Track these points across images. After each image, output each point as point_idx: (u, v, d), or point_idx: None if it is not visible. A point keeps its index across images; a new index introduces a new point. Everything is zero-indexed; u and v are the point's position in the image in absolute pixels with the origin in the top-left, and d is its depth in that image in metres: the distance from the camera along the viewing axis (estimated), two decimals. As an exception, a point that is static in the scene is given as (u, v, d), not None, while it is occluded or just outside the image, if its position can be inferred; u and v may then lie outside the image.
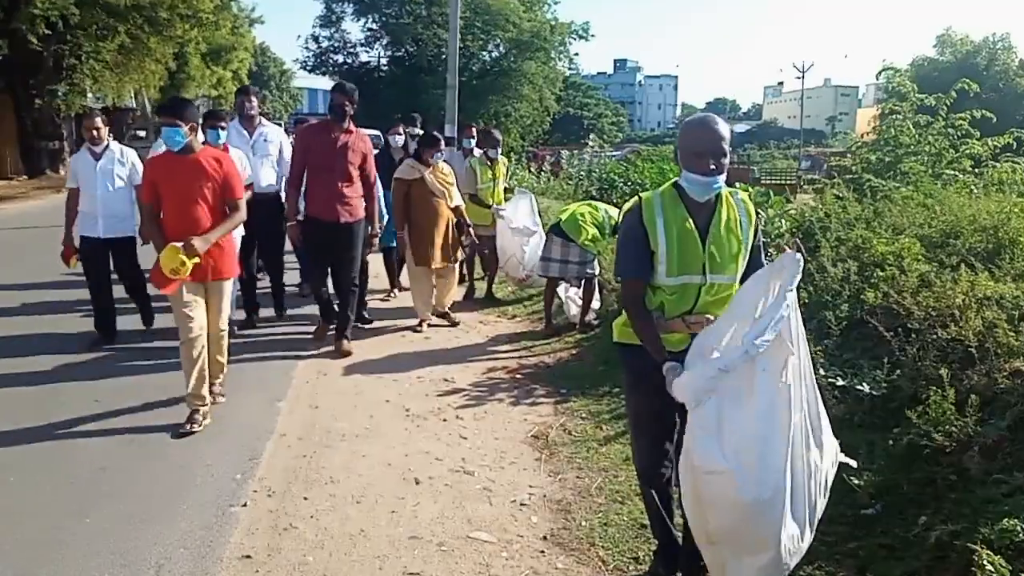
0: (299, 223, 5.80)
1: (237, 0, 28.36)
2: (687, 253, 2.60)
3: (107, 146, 5.74)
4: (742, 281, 2.65)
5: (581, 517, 3.43)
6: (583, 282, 6.53)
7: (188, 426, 4.27)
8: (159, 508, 3.43)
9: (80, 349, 5.72)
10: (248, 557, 3.07)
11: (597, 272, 6.58)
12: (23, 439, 4.14)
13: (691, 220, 2.61)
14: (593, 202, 7.17)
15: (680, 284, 2.62)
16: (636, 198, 2.73)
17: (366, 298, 6.92)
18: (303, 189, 5.81)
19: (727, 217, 2.65)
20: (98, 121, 5.73)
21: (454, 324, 6.86)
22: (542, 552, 3.16)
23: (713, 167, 2.52)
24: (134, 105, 34.81)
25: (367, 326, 6.71)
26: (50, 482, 3.65)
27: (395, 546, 3.17)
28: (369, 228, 5.99)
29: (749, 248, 2.69)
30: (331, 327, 6.04)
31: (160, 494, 3.55)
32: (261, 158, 6.28)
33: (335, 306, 6.03)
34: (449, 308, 6.95)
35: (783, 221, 5.70)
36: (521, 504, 3.57)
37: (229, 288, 4.59)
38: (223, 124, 5.73)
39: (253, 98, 6.44)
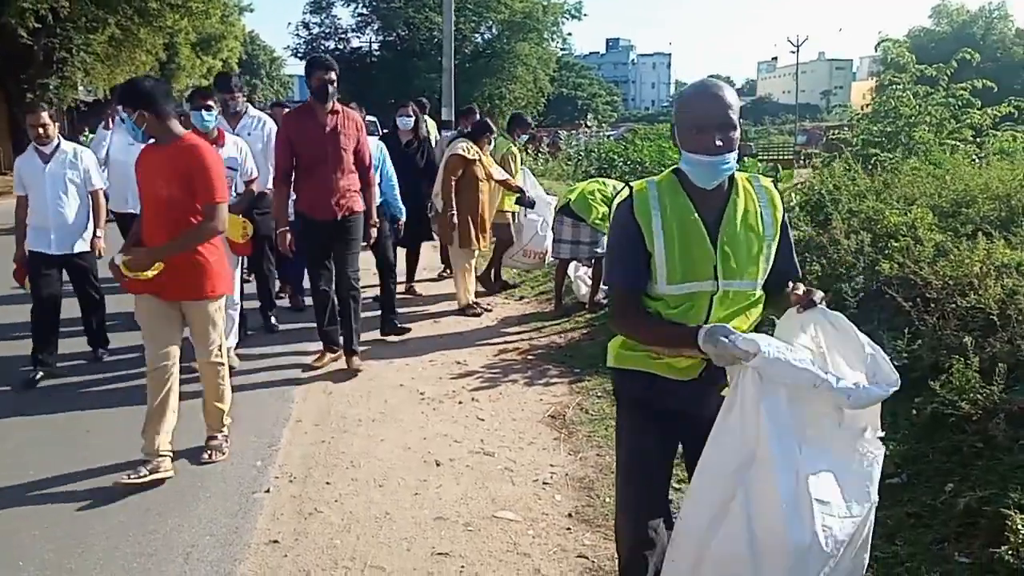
0: (290, 226, 5.09)
1: (228, -12, 27.90)
2: (693, 254, 2.05)
3: (57, 146, 4.94)
4: (768, 289, 2.16)
5: (604, 494, 3.43)
6: (593, 261, 6.51)
7: (135, 478, 3.41)
8: (181, 498, 3.42)
9: (15, 387, 4.85)
10: (275, 542, 3.07)
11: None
12: (44, 434, 4.14)
13: (696, 213, 2.06)
14: (601, 179, 7.10)
15: (685, 294, 2.07)
16: (625, 188, 2.18)
17: (395, 303, 6.14)
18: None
19: (744, 208, 2.09)
20: (44, 116, 4.87)
21: (488, 309, 6.83)
22: (568, 529, 3.17)
23: (720, 143, 1.98)
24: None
25: (401, 337, 5.97)
26: (69, 478, 3.64)
27: (421, 527, 3.18)
28: (370, 220, 5.26)
29: (774, 246, 2.13)
30: (335, 352, 5.27)
31: (181, 484, 3.54)
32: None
33: (338, 323, 5.20)
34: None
35: (793, 195, 5.67)
36: (543, 483, 3.57)
37: (215, 310, 3.70)
38: (211, 103, 4.83)
39: (238, 95, 5.68)
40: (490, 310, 6.77)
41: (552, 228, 6.76)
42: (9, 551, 3.00)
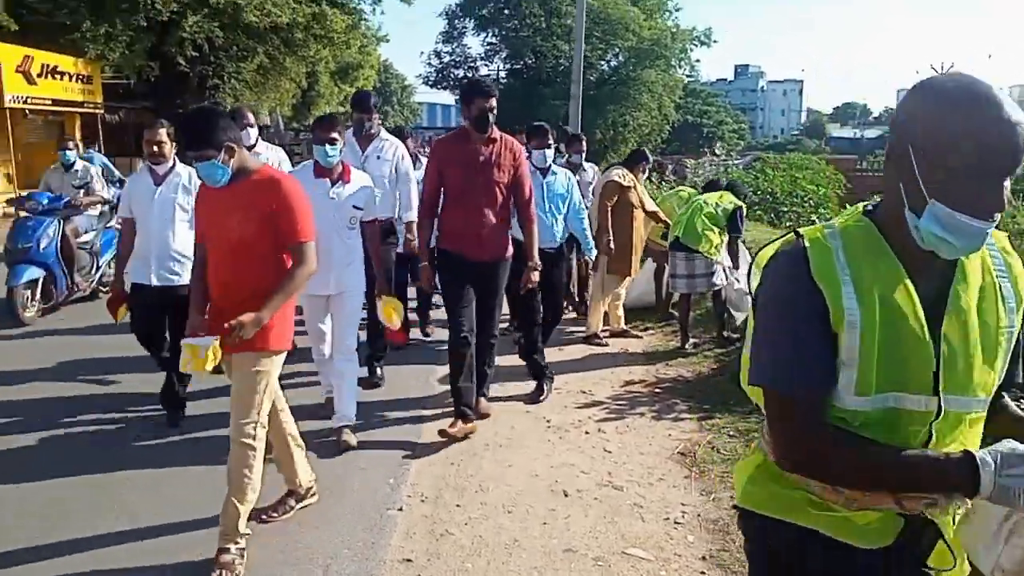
0: (432, 262, 4.62)
1: (366, 20, 29.29)
2: (902, 350, 1.31)
3: (172, 167, 4.45)
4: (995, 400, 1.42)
5: (740, 539, 3.31)
6: (713, 294, 6.37)
7: (283, 514, 3.44)
8: (321, 511, 3.56)
9: (145, 436, 4.46)
10: (409, 560, 3.15)
11: (726, 281, 6.37)
12: (177, 453, 4.42)
13: (909, 285, 1.32)
14: (695, 199, 6.61)
15: (884, 411, 1.33)
16: (791, 237, 1.41)
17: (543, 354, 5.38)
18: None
19: (980, 282, 1.36)
20: (162, 132, 4.38)
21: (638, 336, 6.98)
22: (702, 573, 3.09)
23: (1002, 200, 1.25)
24: (269, 122, 36.84)
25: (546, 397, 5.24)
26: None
27: (551, 558, 3.18)
28: (530, 262, 4.62)
29: (1014, 340, 1.40)
30: (469, 419, 4.49)
31: (320, 498, 3.68)
32: (373, 176, 4.83)
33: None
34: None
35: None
36: (675, 522, 3.50)
37: (263, 372, 3.03)
38: (335, 135, 4.21)
39: (375, 116, 5.27)
40: (606, 345, 6.70)
41: (667, 263, 6.67)
42: (161, 565, 3.20)
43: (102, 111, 20.05)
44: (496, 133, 4.42)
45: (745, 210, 6.67)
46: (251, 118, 5.45)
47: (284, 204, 3.00)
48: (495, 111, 4.37)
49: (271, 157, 5.55)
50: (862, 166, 44.50)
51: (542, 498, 3.73)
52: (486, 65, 42.86)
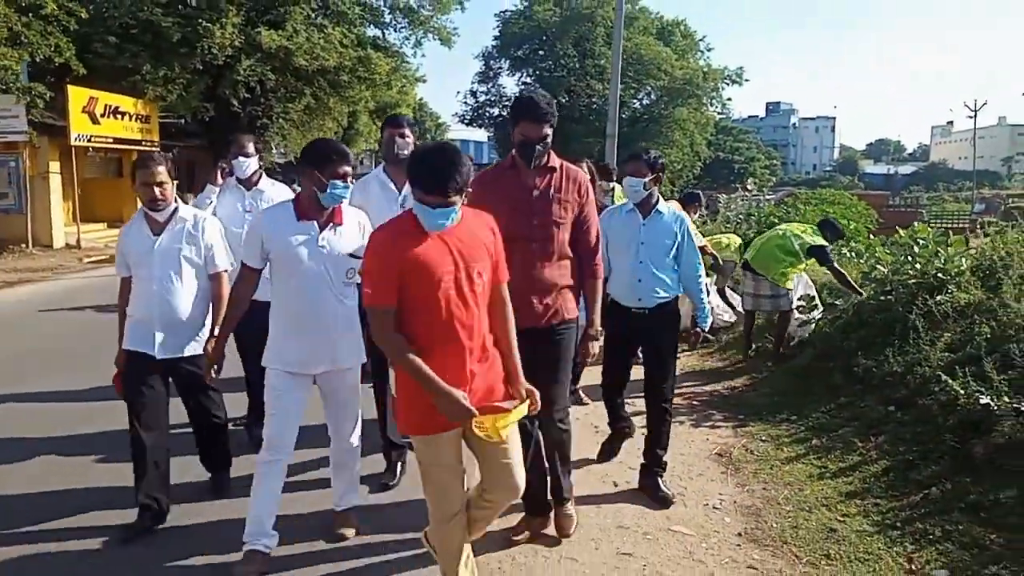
0: None
1: (407, 63, 30.41)
2: None
3: (174, 212, 3.64)
4: None
5: (772, 520, 3.78)
6: (777, 316, 6.82)
7: None
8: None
9: (114, 541, 3.50)
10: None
11: (792, 306, 6.74)
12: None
13: None
14: (779, 229, 7.24)
15: None
16: None
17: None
18: None
19: None
20: (160, 171, 3.54)
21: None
22: (738, 546, 3.55)
23: None
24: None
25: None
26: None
27: (606, 532, 3.65)
28: (588, 328, 3.57)
29: None
30: (543, 514, 3.63)
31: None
32: None
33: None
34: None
35: (963, 260, 5.78)
36: (713, 507, 3.97)
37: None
38: (347, 170, 3.25)
39: (408, 132, 4.16)
40: None
41: (740, 281, 7.19)
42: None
43: (159, 149, 21.11)
44: (555, 161, 3.43)
45: (829, 248, 6.73)
46: (250, 148, 4.65)
47: (498, 240, 2.74)
48: (549, 141, 3.33)
49: (273, 193, 4.67)
50: (895, 202, 44.61)
51: (595, 487, 4.20)
52: (520, 104, 43.88)
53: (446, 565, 2.84)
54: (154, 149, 20.68)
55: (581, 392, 5.70)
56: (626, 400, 5.23)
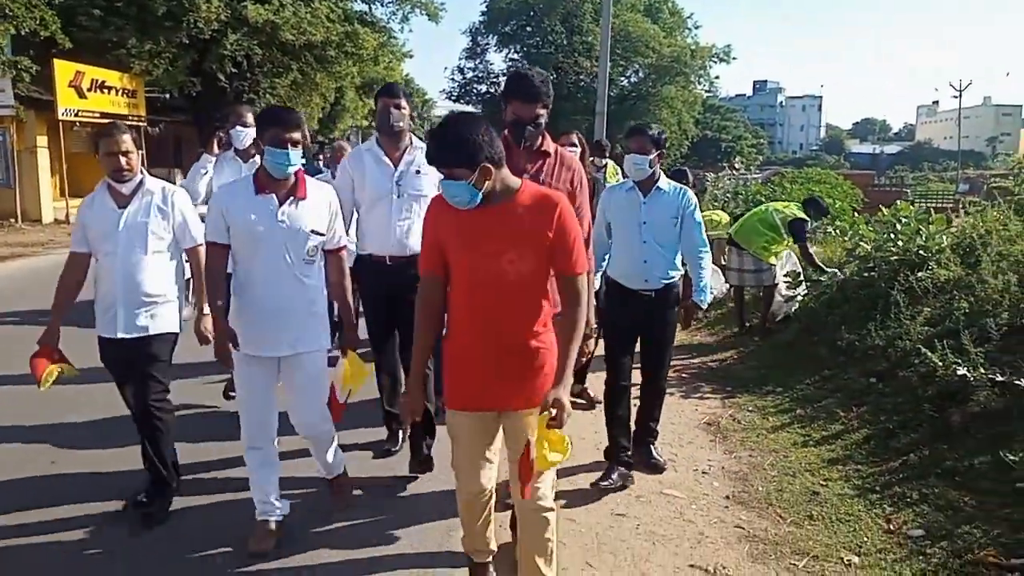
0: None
1: (395, 38, 30.25)
2: None
3: (140, 184, 3.39)
4: None
5: (758, 484, 3.96)
6: (761, 290, 6.98)
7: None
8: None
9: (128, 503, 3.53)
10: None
11: (775, 280, 6.91)
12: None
13: None
14: (764, 206, 7.51)
15: None
16: None
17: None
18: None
19: None
20: (125, 140, 3.32)
21: None
22: (726, 507, 3.73)
23: None
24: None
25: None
26: None
27: (601, 495, 3.82)
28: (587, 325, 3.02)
29: None
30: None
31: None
32: (410, 200, 3.82)
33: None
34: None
35: (944, 238, 5.95)
36: (702, 472, 4.15)
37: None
38: (297, 136, 3.06)
39: (403, 102, 3.83)
40: None
41: (725, 257, 7.34)
42: None
43: (145, 124, 20.97)
44: (550, 145, 3.20)
45: (810, 223, 7.05)
46: (249, 118, 4.58)
47: (563, 225, 2.45)
48: (542, 122, 3.09)
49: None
50: (880, 181, 44.92)
51: (590, 455, 4.36)
52: (508, 80, 43.78)
53: (465, 533, 2.85)
54: (141, 125, 20.57)
55: (590, 392, 5.30)
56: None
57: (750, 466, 4.22)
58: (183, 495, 3.60)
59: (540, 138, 3.13)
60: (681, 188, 4.01)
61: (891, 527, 3.42)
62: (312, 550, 3.22)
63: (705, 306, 4.18)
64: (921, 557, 3.15)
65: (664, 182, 3.98)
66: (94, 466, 4.02)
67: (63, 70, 17.12)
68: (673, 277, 3.96)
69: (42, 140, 17.80)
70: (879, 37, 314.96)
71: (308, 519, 3.47)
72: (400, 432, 4.34)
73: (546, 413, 2.33)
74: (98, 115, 18.72)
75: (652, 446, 4.22)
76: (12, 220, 16.32)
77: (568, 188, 3.16)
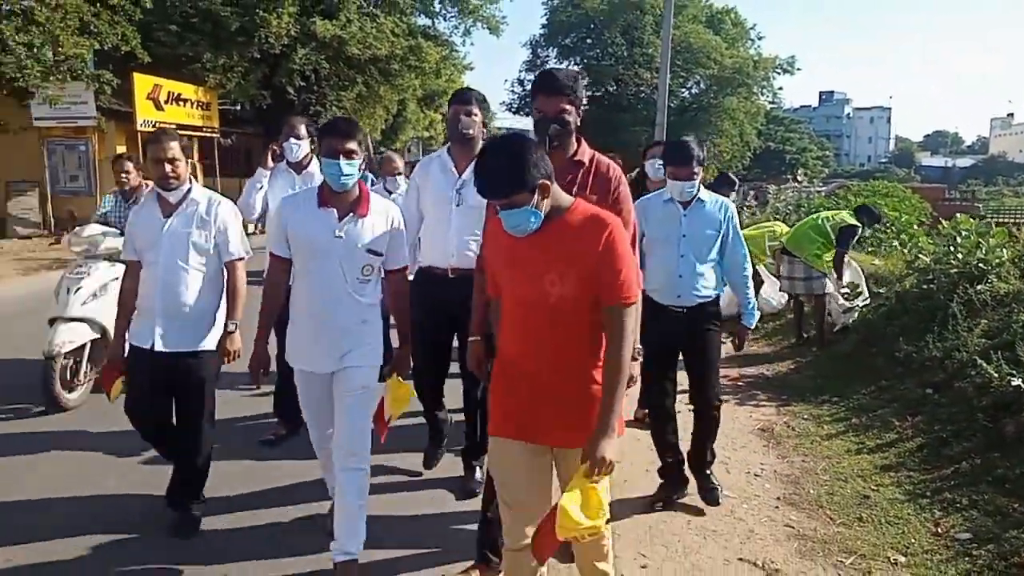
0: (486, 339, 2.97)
1: (457, 51, 30.80)
2: None
3: (187, 193, 3.34)
4: None
5: (809, 487, 4.06)
6: (814, 298, 7.03)
7: None
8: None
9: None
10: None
11: (827, 289, 6.92)
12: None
13: None
14: (814, 215, 7.60)
15: None
16: None
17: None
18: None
19: None
20: (173, 147, 3.26)
21: None
22: (776, 507, 3.85)
23: None
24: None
25: None
26: None
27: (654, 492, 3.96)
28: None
29: None
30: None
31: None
32: (471, 210, 3.57)
33: None
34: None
35: (1004, 251, 5.92)
36: (755, 475, 4.27)
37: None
38: (352, 146, 2.98)
39: (475, 109, 3.77)
40: None
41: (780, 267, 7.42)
42: None
43: (218, 135, 21.83)
44: (585, 153, 2.92)
45: (860, 230, 7.11)
46: (302, 130, 4.55)
47: (612, 249, 2.25)
48: (569, 120, 2.81)
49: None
50: (952, 195, 43.64)
51: (645, 456, 4.50)
52: (568, 93, 44.01)
53: None
54: (214, 136, 21.45)
55: (636, 414, 5.09)
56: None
57: (802, 470, 4.32)
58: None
59: (574, 146, 2.87)
60: (722, 200, 3.84)
61: (939, 530, 3.50)
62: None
63: (753, 326, 4.00)
64: (967, 558, 3.23)
65: (705, 194, 3.79)
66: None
67: (142, 83, 18.00)
68: (708, 295, 3.75)
69: (121, 150, 18.71)
70: (950, 48, 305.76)
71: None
72: (477, 468, 3.91)
73: (585, 465, 2.12)
74: (174, 127, 19.64)
75: (710, 473, 3.91)
76: (94, 226, 17.24)
77: (608, 197, 2.83)
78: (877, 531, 3.56)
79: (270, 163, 4.60)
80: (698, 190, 3.75)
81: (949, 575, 3.16)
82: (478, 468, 3.87)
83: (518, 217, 2.22)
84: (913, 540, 3.45)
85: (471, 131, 3.69)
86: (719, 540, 3.50)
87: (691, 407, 3.95)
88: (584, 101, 2.88)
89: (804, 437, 4.84)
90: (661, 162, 4.18)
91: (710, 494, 3.82)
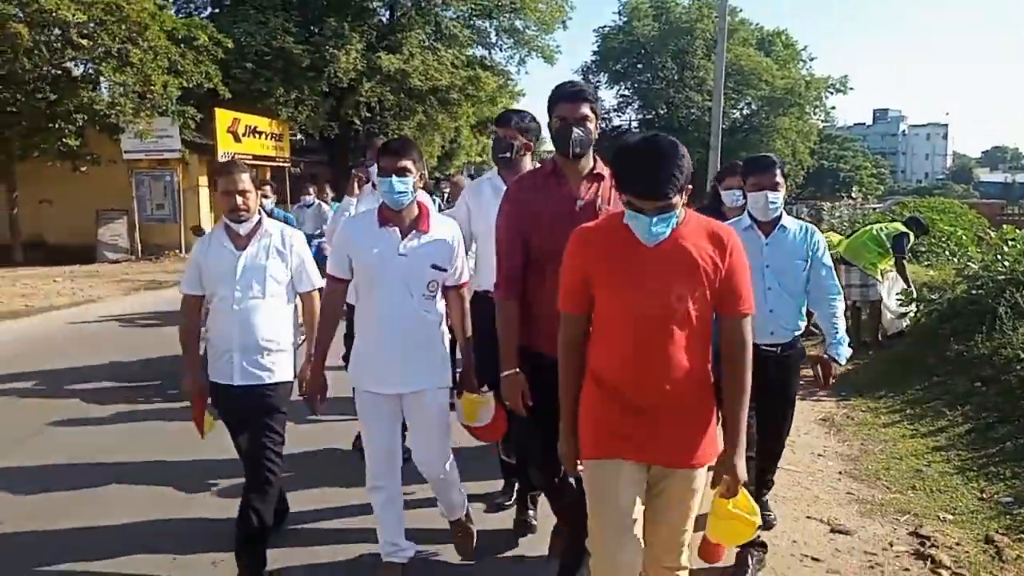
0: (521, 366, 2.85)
1: (512, 80, 31.76)
2: None
3: (258, 224, 3.25)
4: None
5: (868, 464, 4.60)
6: (870, 304, 7.50)
7: None
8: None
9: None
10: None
11: (879, 296, 7.45)
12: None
13: None
14: (868, 227, 8.13)
15: None
16: None
17: None
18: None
19: None
20: (243, 179, 3.19)
21: None
22: (838, 479, 4.40)
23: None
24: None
25: None
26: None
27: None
28: None
29: None
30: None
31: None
32: None
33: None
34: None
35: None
36: (817, 454, 4.82)
37: (701, 487, 2.31)
38: (406, 164, 2.98)
39: (514, 132, 3.55)
40: None
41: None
42: None
43: (289, 164, 23.05)
44: (603, 168, 2.86)
45: (911, 237, 7.57)
46: None
47: (739, 258, 2.23)
48: (588, 127, 2.77)
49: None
50: (1012, 211, 42.87)
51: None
52: (618, 116, 44.68)
53: None
54: (285, 165, 22.66)
55: None
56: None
57: (861, 451, 4.84)
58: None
59: (590, 150, 2.82)
60: (808, 227, 3.48)
61: (984, 496, 4.01)
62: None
63: (844, 361, 3.52)
64: (1008, 516, 3.74)
65: (788, 220, 3.43)
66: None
67: (222, 117, 19.24)
68: (799, 330, 3.45)
69: (203, 180, 19.97)
70: (1009, 62, 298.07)
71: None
72: (515, 484, 3.89)
73: (720, 487, 2.17)
74: (251, 157, 20.83)
75: (765, 498, 3.64)
76: (177, 251, 18.44)
77: None
78: (929, 497, 4.08)
79: (355, 190, 4.64)
80: (780, 212, 3.39)
81: (992, 529, 3.66)
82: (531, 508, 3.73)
83: (668, 222, 2.12)
84: (960, 503, 3.97)
85: (507, 154, 3.54)
86: (788, 504, 4.06)
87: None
88: (600, 110, 2.85)
89: (862, 425, 5.36)
90: (739, 192, 3.99)
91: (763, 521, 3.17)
